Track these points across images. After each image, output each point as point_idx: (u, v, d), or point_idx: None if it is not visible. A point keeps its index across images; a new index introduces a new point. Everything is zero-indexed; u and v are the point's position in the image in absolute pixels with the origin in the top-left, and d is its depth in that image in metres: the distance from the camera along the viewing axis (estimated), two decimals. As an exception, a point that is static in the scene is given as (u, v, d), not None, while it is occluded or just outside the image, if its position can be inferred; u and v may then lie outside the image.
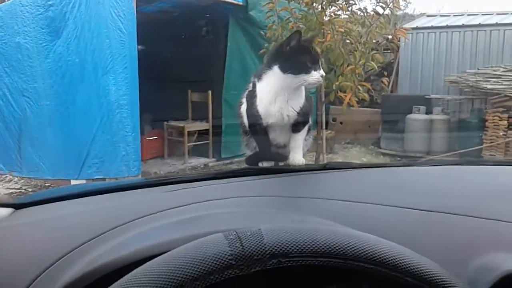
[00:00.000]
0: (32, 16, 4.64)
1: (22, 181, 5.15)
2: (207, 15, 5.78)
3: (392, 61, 8.15)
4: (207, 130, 5.76)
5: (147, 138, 5.61)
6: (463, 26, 7.16)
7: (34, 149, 4.88)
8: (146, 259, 0.54)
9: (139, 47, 4.26)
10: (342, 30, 3.59)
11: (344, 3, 3.94)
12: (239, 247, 0.51)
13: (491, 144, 6.05)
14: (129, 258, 0.61)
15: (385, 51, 6.29)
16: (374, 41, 3.85)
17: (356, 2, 4.02)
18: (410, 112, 6.58)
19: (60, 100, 4.52)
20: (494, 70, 6.39)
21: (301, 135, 1.27)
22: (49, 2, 4.47)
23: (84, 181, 4.32)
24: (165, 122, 5.87)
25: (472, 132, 6.19)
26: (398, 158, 6.49)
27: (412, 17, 11.63)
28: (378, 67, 3.96)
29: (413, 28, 7.09)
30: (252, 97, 1.25)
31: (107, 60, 4.09)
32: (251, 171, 1.20)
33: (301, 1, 4.03)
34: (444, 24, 7.39)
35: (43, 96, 4.70)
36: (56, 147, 4.63)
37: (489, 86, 6.21)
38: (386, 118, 6.92)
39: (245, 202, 0.87)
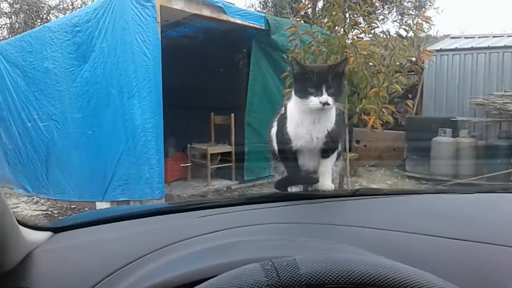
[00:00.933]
0: (60, 42, 4.80)
1: (49, 203, 5.25)
2: (230, 39, 5.87)
3: (416, 83, 8.10)
4: (230, 152, 5.79)
5: (171, 161, 5.66)
6: (488, 48, 7.10)
7: (61, 172, 4.98)
8: (186, 285, 0.56)
9: (163, 71, 4.32)
10: (365, 52, 3.57)
11: (367, 26, 3.94)
12: (275, 277, 0.52)
13: (520, 168, 5.88)
14: (168, 283, 0.62)
15: (409, 73, 6.25)
16: (397, 63, 3.83)
17: (379, 25, 4.02)
18: (436, 135, 6.48)
19: (86, 124, 4.62)
20: (522, 92, 6.29)
21: (331, 161, 1.27)
22: (77, 28, 4.61)
23: (108, 204, 4.37)
24: (189, 145, 5.93)
25: (500, 155, 6.04)
26: (424, 182, 6.38)
27: (436, 39, 11.58)
28: (402, 89, 3.91)
29: (437, 50, 7.06)
30: (282, 119, 1.27)
31: (133, 84, 4.15)
32: (281, 196, 1.19)
33: (323, 25, 4.05)
34: (469, 46, 7.34)
35: (70, 120, 4.81)
36: (82, 170, 4.71)
37: (516, 108, 6.10)
38: (411, 141, 6.84)
39: (275, 229, 0.87)
